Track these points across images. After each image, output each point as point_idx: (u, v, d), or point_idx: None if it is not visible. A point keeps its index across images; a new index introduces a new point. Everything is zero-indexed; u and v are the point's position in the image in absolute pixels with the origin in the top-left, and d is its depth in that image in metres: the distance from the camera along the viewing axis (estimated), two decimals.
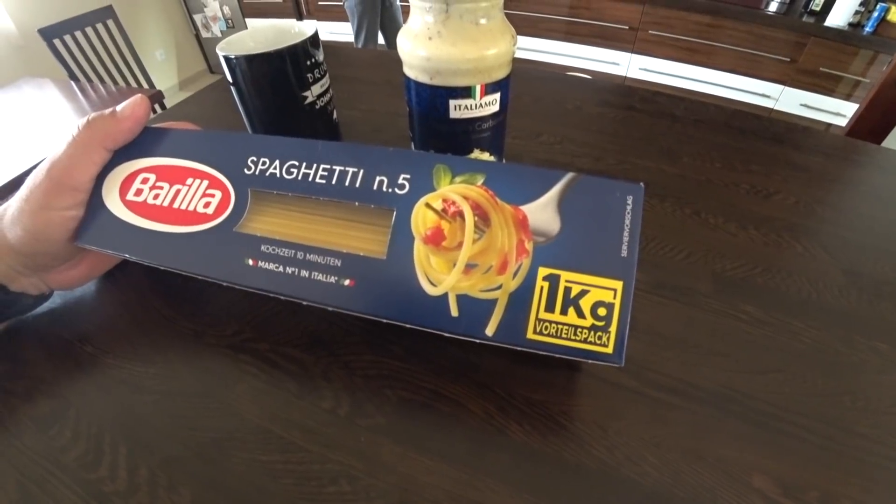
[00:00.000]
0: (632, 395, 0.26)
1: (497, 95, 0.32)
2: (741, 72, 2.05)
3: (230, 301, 0.31)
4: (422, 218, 0.25)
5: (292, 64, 0.37)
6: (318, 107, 0.40)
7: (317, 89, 0.39)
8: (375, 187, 0.26)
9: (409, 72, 0.32)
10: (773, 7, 1.94)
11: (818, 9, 1.89)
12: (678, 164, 0.45)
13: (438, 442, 0.24)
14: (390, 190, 0.25)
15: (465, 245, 0.24)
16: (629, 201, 0.24)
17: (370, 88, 0.61)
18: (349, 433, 0.25)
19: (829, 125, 1.92)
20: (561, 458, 0.24)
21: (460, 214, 0.24)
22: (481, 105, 0.31)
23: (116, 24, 2.01)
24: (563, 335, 0.23)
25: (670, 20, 2.08)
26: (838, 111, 1.90)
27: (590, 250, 0.23)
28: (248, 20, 3.00)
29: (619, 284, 0.23)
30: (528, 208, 0.24)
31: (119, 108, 0.28)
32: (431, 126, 0.33)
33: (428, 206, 0.25)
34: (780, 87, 2.00)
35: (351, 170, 0.26)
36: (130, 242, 0.28)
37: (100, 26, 1.96)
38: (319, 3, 2.74)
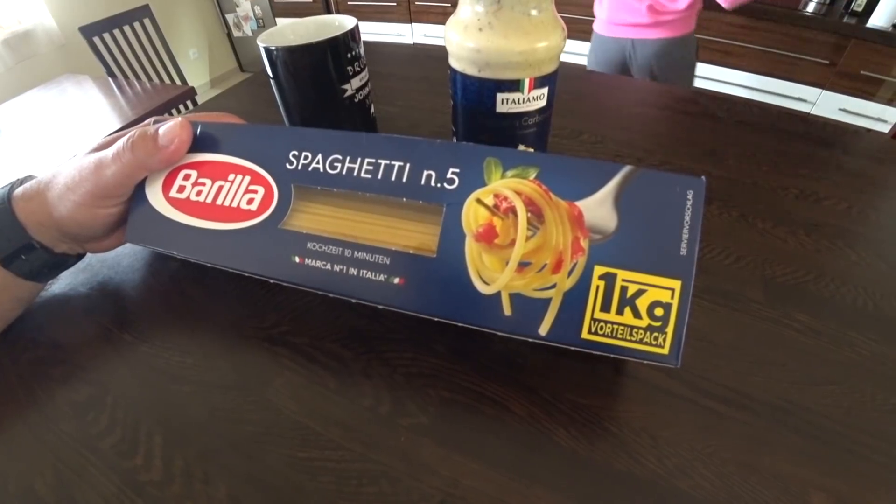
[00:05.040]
0: (682, 402, 0.25)
1: (545, 90, 0.31)
2: (777, 75, 1.99)
3: (267, 293, 0.31)
4: (473, 214, 0.24)
5: (333, 56, 0.36)
6: (356, 100, 0.39)
7: (356, 82, 0.39)
8: (423, 182, 0.25)
9: (456, 64, 0.31)
10: (811, 8, 1.88)
11: (860, 9, 1.83)
12: (723, 167, 0.44)
13: (482, 444, 0.24)
14: (439, 185, 0.25)
15: (518, 243, 0.23)
16: (689, 196, 0.22)
17: (407, 84, 0.61)
18: (390, 432, 0.24)
19: (870, 130, 1.85)
20: (609, 465, 0.23)
21: (513, 211, 0.23)
22: (529, 99, 0.31)
23: (153, 23, 2.07)
24: (619, 335, 0.22)
25: (704, 21, 2.01)
26: (880, 116, 1.83)
27: (647, 248, 0.22)
28: (278, 20, 3.04)
29: (677, 284, 0.22)
30: (583, 204, 0.23)
31: (161, 131, 0.28)
32: (477, 120, 0.32)
33: (479, 202, 0.24)
34: (818, 90, 1.94)
35: (397, 164, 0.26)
36: (177, 240, 0.28)
37: (137, 25, 2.02)
38: (349, 2, 2.76)
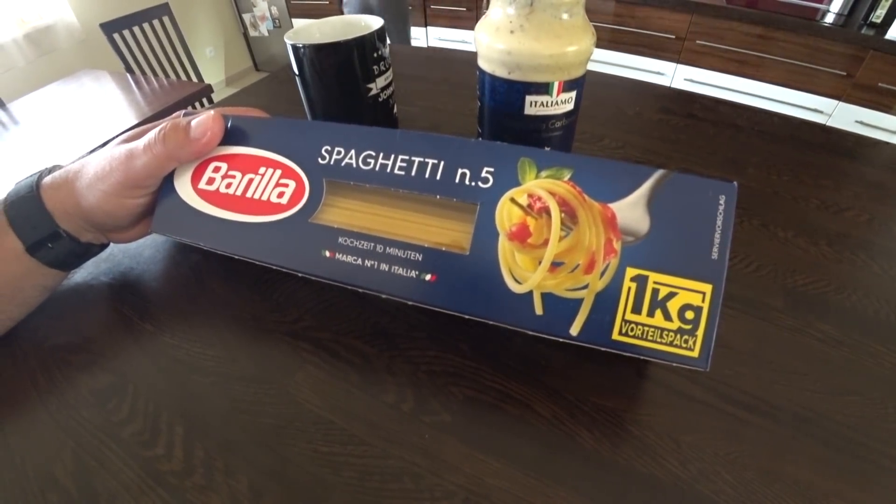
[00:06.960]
0: (705, 408, 0.25)
1: (573, 94, 0.31)
2: (793, 86, 1.97)
3: (290, 288, 0.31)
4: (507, 213, 0.24)
5: (359, 55, 0.37)
6: (381, 100, 0.40)
7: (381, 82, 0.39)
8: (458, 180, 0.25)
9: (486, 65, 0.32)
10: (829, 19, 1.87)
11: (879, 21, 1.80)
12: (743, 175, 0.43)
13: (506, 444, 0.24)
14: (473, 183, 0.25)
15: (552, 243, 0.23)
16: (721, 201, 0.22)
17: (427, 86, 0.61)
18: (413, 429, 0.24)
19: (887, 144, 1.83)
20: (633, 468, 0.23)
21: (546, 211, 0.23)
22: (557, 102, 0.31)
23: (171, 21, 2.10)
24: (649, 337, 0.22)
25: (719, 31, 2.02)
26: None
27: (679, 251, 0.22)
28: (294, 20, 3.06)
29: (708, 288, 0.22)
30: (616, 206, 0.23)
31: (194, 123, 0.28)
32: (504, 121, 0.33)
33: (513, 201, 0.24)
34: (835, 102, 1.92)
35: (431, 161, 0.26)
36: (205, 231, 0.28)
37: (156, 22, 2.05)
38: None
